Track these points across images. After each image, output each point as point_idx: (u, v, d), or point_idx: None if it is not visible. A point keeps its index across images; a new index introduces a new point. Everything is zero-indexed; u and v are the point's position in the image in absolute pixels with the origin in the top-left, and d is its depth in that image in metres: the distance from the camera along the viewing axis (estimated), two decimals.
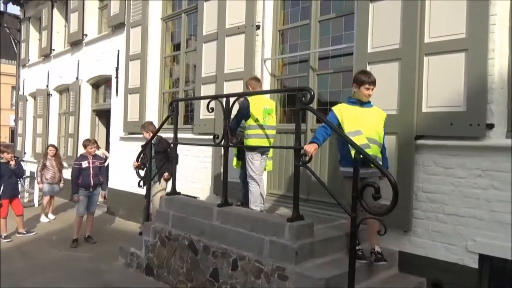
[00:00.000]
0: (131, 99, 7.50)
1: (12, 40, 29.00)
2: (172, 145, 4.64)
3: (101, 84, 9.37)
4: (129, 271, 4.77)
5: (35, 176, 7.97)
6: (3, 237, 6.07)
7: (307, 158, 3.14)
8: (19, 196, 8.20)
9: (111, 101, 8.41)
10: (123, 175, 7.74)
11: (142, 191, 7.26)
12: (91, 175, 5.96)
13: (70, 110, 9.81)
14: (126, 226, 7.24)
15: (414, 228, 3.76)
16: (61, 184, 7.83)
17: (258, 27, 5.28)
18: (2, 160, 6.25)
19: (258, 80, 4.44)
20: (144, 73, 7.24)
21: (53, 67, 10.88)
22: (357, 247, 3.31)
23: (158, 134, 5.07)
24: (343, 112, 3.32)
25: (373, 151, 3.23)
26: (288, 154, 5.11)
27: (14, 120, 27.47)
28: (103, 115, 9.57)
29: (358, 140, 3.05)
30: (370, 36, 4.10)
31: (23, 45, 12.99)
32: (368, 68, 4.05)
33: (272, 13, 5.36)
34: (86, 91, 9.47)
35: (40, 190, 7.92)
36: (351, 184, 2.86)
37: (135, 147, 7.43)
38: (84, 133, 9.44)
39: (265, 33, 5.30)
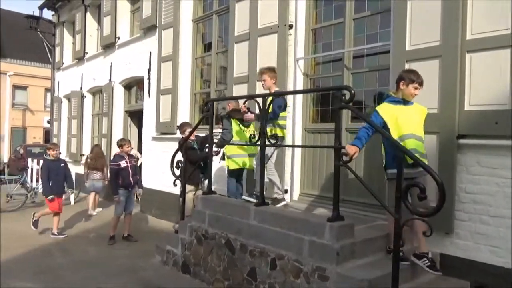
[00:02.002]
0: (163, 99, 7.64)
1: (45, 45, 30.15)
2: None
3: (133, 85, 9.60)
4: (165, 269, 4.87)
5: (107, 173, 8.22)
6: (56, 233, 6.21)
7: (347, 158, 3.12)
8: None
9: (143, 102, 8.61)
10: (156, 175, 7.90)
11: (175, 190, 7.47)
12: (130, 175, 6.03)
13: (104, 111, 10.10)
14: (159, 225, 7.39)
15: (457, 230, 3.66)
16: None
17: (290, 27, 5.27)
18: (48, 158, 6.42)
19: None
20: (176, 74, 7.36)
21: (87, 70, 11.23)
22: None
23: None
24: (388, 113, 3.28)
25: (419, 148, 3.20)
26: (322, 153, 5.09)
27: (48, 122, 28.58)
28: (135, 115, 9.80)
29: (408, 144, 3.02)
30: (408, 33, 4.02)
31: (57, 48, 13.47)
32: (407, 66, 3.97)
33: (305, 12, 5.33)
34: (119, 93, 9.72)
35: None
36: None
37: (168, 147, 7.59)
38: (117, 134, 9.69)
39: (297, 32, 5.29)
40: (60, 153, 6.67)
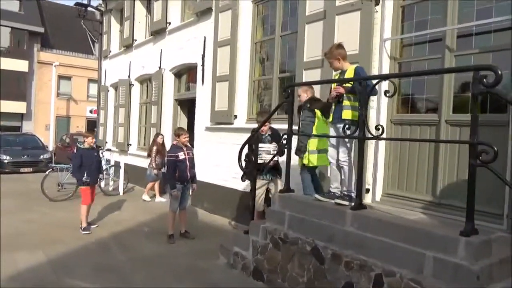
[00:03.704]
0: (219, 87, 7.17)
1: (88, 35, 30.63)
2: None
3: (183, 73, 9.20)
4: (232, 272, 4.40)
5: (152, 162, 8.33)
6: (82, 228, 5.78)
7: (490, 156, 2.47)
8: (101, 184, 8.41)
9: (196, 90, 8.18)
10: (209, 167, 7.48)
11: (230, 184, 7.02)
12: (188, 168, 5.51)
13: (153, 100, 9.79)
14: (214, 220, 6.98)
15: None
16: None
17: (377, 2, 4.60)
18: (83, 146, 6.06)
19: None
20: (234, 60, 6.86)
21: (135, 57, 10.98)
22: None
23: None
24: None
25: None
26: (413, 148, 4.41)
27: (91, 111, 28.97)
28: (185, 104, 9.43)
29: None
30: None
31: (104, 37, 13.34)
32: None
33: None
34: (169, 81, 9.36)
35: (156, 175, 8.33)
36: None
37: (223, 138, 7.15)
38: (167, 123, 9.38)
39: (385, 9, 4.61)
40: (95, 141, 6.27)
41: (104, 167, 9.21)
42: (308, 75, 5.30)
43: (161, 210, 7.51)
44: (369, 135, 3.30)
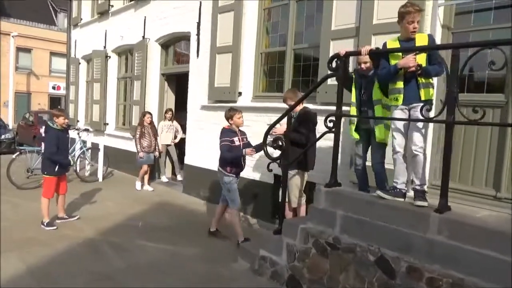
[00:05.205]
0: (219, 60, 6.27)
1: (50, 4, 28.04)
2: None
3: (171, 43, 8.15)
4: (260, 281, 3.68)
5: (135, 144, 7.37)
6: (45, 223, 4.91)
7: None
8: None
9: (189, 64, 7.21)
10: (206, 151, 6.64)
11: None
12: (243, 157, 4.56)
13: (135, 74, 8.68)
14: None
15: None
16: (157, 153, 7.57)
17: None
18: (55, 127, 5.01)
19: None
20: (238, 28, 5.96)
21: (112, 26, 9.73)
22: None
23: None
24: None
25: None
26: (470, 134, 3.80)
27: (53, 87, 26.82)
28: (172, 80, 8.44)
29: None
30: None
31: (74, 3, 11.86)
32: None
33: None
34: (155, 52, 8.27)
35: (141, 157, 7.31)
36: None
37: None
38: (152, 100, 8.37)
39: None
40: (68, 121, 5.27)
41: (80, 150, 8.20)
42: (337, 46, 4.52)
43: (150, 200, 6.67)
44: (463, 119, 2.61)
